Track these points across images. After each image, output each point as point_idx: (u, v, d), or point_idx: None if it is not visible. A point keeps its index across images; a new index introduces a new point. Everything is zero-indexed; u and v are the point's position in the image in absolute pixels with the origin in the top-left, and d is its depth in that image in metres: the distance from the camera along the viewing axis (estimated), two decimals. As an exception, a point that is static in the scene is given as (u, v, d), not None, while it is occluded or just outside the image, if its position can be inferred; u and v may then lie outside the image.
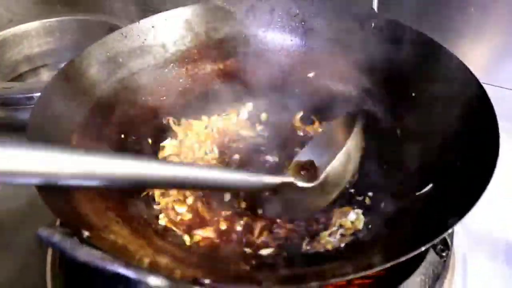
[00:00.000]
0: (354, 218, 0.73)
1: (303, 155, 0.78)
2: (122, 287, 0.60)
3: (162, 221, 0.76)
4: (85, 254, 0.42)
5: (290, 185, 0.70)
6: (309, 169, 0.73)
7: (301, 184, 0.70)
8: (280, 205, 0.73)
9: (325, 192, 0.73)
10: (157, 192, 0.80)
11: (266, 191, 0.70)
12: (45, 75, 1.32)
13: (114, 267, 0.41)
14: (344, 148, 0.73)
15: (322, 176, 0.71)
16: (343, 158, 0.73)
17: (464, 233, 0.77)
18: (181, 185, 0.65)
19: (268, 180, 0.68)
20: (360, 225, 0.72)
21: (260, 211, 0.76)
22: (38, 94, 0.96)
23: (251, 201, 0.78)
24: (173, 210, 0.78)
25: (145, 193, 0.79)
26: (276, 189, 0.69)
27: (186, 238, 0.73)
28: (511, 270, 0.74)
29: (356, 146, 0.78)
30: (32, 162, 0.47)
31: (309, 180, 0.71)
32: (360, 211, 0.74)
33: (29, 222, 0.82)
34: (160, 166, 0.59)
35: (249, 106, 1.01)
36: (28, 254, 0.77)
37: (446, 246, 0.69)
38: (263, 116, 1.00)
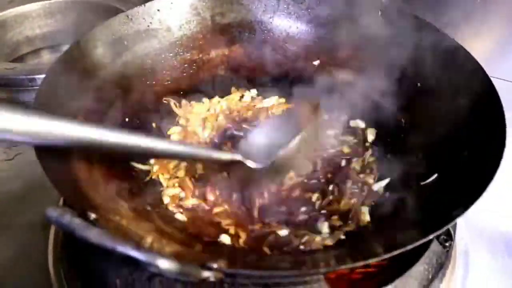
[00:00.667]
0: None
1: (259, 134, 0.77)
2: (126, 268, 0.60)
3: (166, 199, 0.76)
4: (96, 235, 0.42)
5: (240, 163, 0.70)
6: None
7: (249, 163, 0.70)
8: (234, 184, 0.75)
9: (277, 173, 0.75)
10: (162, 176, 0.80)
11: (218, 164, 0.73)
12: (46, 57, 1.30)
13: (124, 249, 0.41)
14: (300, 135, 0.73)
15: (272, 159, 0.71)
16: (298, 144, 0.73)
17: (466, 225, 0.78)
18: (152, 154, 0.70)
19: (217, 156, 0.70)
20: (365, 219, 0.72)
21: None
22: (40, 76, 0.96)
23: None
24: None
25: (149, 177, 0.79)
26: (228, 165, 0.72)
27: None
28: (511, 260, 0.75)
29: (315, 134, 0.78)
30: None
31: (260, 161, 0.71)
32: (367, 208, 0.73)
33: (30, 204, 0.82)
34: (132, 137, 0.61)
35: (253, 92, 1.00)
36: (29, 235, 0.76)
37: (449, 237, 0.70)
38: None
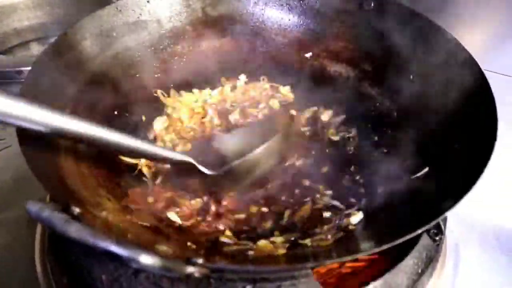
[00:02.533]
0: (357, 221, 0.68)
1: (227, 140, 0.79)
2: (111, 263, 0.59)
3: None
4: (76, 230, 0.41)
5: (193, 165, 0.71)
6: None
7: (202, 168, 0.72)
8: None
9: (230, 180, 0.74)
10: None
11: (171, 164, 0.73)
12: (35, 49, 1.28)
13: (105, 244, 0.40)
14: (259, 150, 0.75)
15: (225, 168, 0.72)
16: (254, 159, 0.74)
17: (457, 218, 0.77)
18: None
19: (168, 155, 0.70)
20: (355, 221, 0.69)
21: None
22: (28, 68, 0.94)
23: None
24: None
25: (136, 171, 0.78)
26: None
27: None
28: (502, 255, 0.75)
29: (274, 151, 0.78)
30: None
31: (214, 168, 0.72)
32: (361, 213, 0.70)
33: (17, 198, 0.81)
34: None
35: (242, 77, 0.99)
36: (16, 230, 0.75)
37: (439, 230, 0.69)
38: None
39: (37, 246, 0.70)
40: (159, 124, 0.88)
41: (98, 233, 0.41)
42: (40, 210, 0.43)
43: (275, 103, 0.95)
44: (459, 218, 0.78)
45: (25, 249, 0.70)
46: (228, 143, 0.78)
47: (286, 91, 0.97)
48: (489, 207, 0.81)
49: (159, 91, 0.92)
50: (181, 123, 0.89)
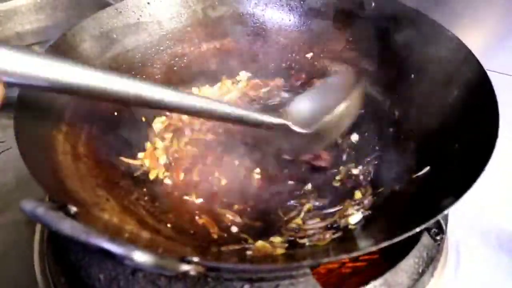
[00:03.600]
0: (356, 220, 0.68)
1: (299, 101, 0.76)
2: (109, 262, 0.59)
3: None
4: (69, 227, 0.40)
5: (286, 127, 0.70)
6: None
7: (295, 128, 0.70)
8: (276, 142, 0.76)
9: (315, 140, 0.73)
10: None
11: (264, 128, 0.70)
12: (37, 52, 1.28)
13: (98, 241, 0.39)
14: (343, 104, 0.71)
15: (316, 126, 0.70)
16: (339, 113, 0.71)
17: (457, 218, 0.76)
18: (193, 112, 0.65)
19: (267, 119, 0.69)
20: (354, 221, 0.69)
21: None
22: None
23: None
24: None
25: (138, 173, 0.78)
26: (273, 128, 0.70)
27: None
28: (503, 254, 0.73)
29: (354, 105, 0.75)
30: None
31: (304, 126, 0.71)
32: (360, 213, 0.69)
33: (17, 199, 0.80)
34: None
35: (242, 74, 1.00)
36: (15, 231, 0.75)
37: (440, 230, 0.68)
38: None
39: (36, 246, 0.70)
40: (158, 124, 0.88)
41: (92, 231, 0.40)
42: (34, 208, 0.43)
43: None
44: (461, 217, 0.77)
45: (24, 250, 0.70)
46: (304, 104, 0.75)
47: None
48: (490, 206, 0.80)
49: None
50: (181, 122, 0.89)
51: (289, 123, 0.70)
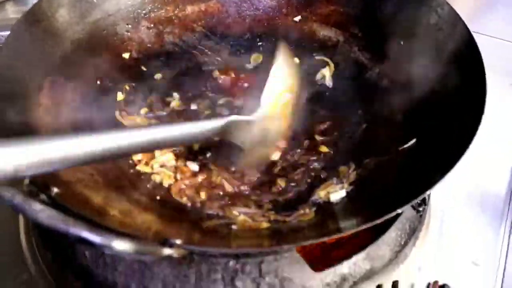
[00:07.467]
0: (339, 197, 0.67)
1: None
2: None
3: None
4: (47, 217, 0.40)
5: (235, 123, 0.64)
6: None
7: (242, 118, 0.65)
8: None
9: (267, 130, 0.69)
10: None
11: (216, 137, 0.63)
12: (11, 10, 1.21)
13: (76, 230, 0.39)
14: (269, 79, 0.69)
15: (260, 108, 0.67)
16: (270, 87, 0.69)
17: (442, 185, 0.77)
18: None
19: (212, 125, 0.61)
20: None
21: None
22: (5, 32, 0.91)
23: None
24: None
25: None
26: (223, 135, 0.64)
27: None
28: (486, 218, 0.74)
29: (284, 77, 0.73)
30: None
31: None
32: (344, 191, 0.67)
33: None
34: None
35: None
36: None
37: (423, 201, 0.69)
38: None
39: (22, 222, 0.70)
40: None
41: (69, 220, 0.40)
42: (13, 196, 0.42)
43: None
44: (445, 185, 0.78)
45: (10, 225, 0.69)
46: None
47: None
48: (473, 171, 0.79)
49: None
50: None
51: (235, 117, 0.64)
